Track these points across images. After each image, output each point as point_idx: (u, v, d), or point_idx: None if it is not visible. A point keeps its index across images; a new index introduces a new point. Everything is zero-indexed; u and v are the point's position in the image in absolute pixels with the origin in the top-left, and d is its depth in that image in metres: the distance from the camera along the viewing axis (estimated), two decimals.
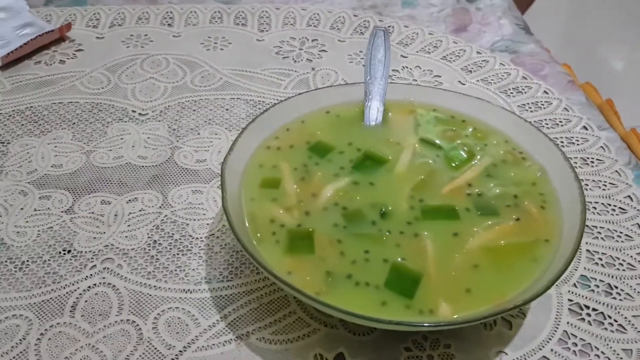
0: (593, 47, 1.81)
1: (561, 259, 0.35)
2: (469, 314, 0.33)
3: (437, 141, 0.45)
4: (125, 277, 0.41)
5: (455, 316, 0.33)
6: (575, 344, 0.38)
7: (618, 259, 0.43)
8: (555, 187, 0.41)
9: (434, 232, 0.38)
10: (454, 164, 0.43)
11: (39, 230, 0.44)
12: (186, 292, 0.40)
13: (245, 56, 0.61)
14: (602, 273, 0.42)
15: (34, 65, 0.59)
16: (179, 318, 0.39)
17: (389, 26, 0.67)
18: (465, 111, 0.47)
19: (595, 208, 0.47)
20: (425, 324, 0.32)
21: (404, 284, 0.35)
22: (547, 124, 0.55)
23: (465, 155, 0.43)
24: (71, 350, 0.37)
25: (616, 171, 0.50)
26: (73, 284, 0.40)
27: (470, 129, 0.46)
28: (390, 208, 0.39)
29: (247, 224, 0.38)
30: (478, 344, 0.38)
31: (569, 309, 0.40)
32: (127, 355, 0.37)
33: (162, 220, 0.45)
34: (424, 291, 0.35)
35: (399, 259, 0.36)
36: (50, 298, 0.40)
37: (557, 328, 0.39)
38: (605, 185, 0.49)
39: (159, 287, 0.40)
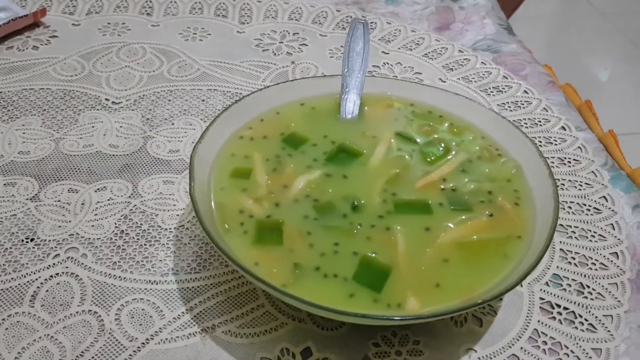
0: (577, 55, 1.82)
1: (532, 256, 0.34)
2: (437, 308, 0.32)
3: (413, 136, 0.44)
4: (90, 267, 0.40)
5: (422, 310, 0.33)
6: (545, 343, 0.38)
7: (591, 258, 0.43)
8: (530, 185, 0.40)
9: (405, 226, 0.37)
10: (429, 159, 0.42)
11: (1, 218, 0.42)
12: (152, 284, 0.39)
13: (225, 48, 0.60)
14: (574, 272, 0.42)
15: (5, 50, 0.58)
16: (143, 309, 0.38)
17: (371, 22, 0.66)
18: (442, 107, 0.46)
19: (570, 208, 0.47)
20: (391, 317, 0.31)
21: (372, 277, 0.34)
22: (526, 124, 0.54)
23: (440, 151, 0.43)
24: (29, 340, 0.36)
25: (592, 172, 0.50)
26: (34, 273, 0.39)
27: (447, 125, 0.45)
28: (362, 201, 0.38)
29: (215, 214, 0.37)
30: (448, 340, 0.37)
31: (540, 307, 0.40)
32: (87, 347, 0.36)
33: (131, 210, 0.44)
34: (393, 285, 0.34)
35: (369, 253, 0.35)
36: (10, 287, 0.38)
37: (528, 326, 0.38)
38: (581, 186, 0.49)
39: (124, 278, 0.39)
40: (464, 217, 0.38)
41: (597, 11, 2.06)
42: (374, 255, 0.35)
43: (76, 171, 0.46)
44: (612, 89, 1.73)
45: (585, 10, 2.08)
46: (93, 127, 0.50)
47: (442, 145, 0.43)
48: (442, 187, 0.40)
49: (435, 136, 0.44)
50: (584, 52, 1.85)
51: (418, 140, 0.44)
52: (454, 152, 0.43)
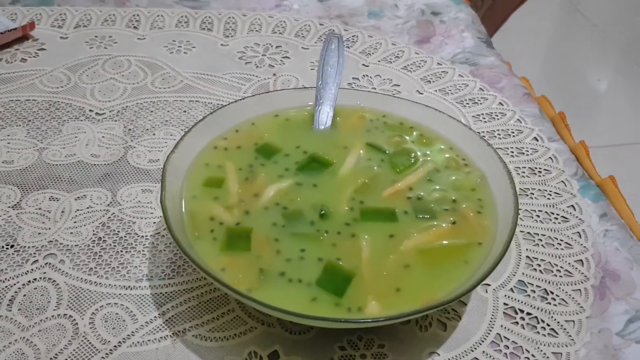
0: (570, 66, 1.84)
1: (490, 262, 0.35)
2: (394, 312, 0.33)
3: (384, 146, 0.45)
4: (67, 273, 0.41)
5: (381, 314, 0.34)
6: (507, 347, 0.39)
7: (556, 265, 0.44)
8: (493, 194, 0.42)
9: (370, 233, 0.38)
10: (398, 169, 0.43)
11: None
12: (126, 289, 0.40)
13: (208, 60, 0.62)
14: (539, 279, 0.43)
15: None
16: (117, 314, 0.39)
17: (353, 35, 0.68)
18: (413, 118, 0.48)
19: (538, 216, 0.48)
20: (349, 321, 0.32)
21: (335, 282, 0.35)
22: (499, 134, 0.56)
23: (409, 161, 0.44)
24: (4, 343, 0.37)
25: (562, 181, 0.51)
26: (13, 278, 0.40)
27: (417, 136, 0.46)
28: (330, 209, 0.40)
29: (186, 222, 0.38)
30: (412, 344, 0.38)
31: (504, 312, 0.41)
32: (61, 349, 0.37)
33: (109, 217, 0.45)
34: (355, 290, 0.35)
35: (334, 259, 0.37)
36: None
37: (491, 331, 0.40)
38: (551, 195, 0.50)
39: (100, 283, 0.41)
40: (428, 224, 0.39)
41: (590, 23, 2.08)
42: (338, 261, 0.37)
43: (58, 180, 0.48)
44: (604, 100, 1.75)
45: (578, 21, 2.10)
46: (76, 137, 0.52)
47: (412, 155, 0.45)
48: (409, 196, 0.41)
49: (405, 147, 0.45)
50: (577, 63, 1.87)
51: (388, 150, 0.45)
52: (421, 162, 0.44)
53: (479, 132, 0.46)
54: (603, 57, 1.93)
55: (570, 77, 1.79)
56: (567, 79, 1.77)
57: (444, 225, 0.39)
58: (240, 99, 0.46)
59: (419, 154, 0.45)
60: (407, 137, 0.46)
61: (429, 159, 0.44)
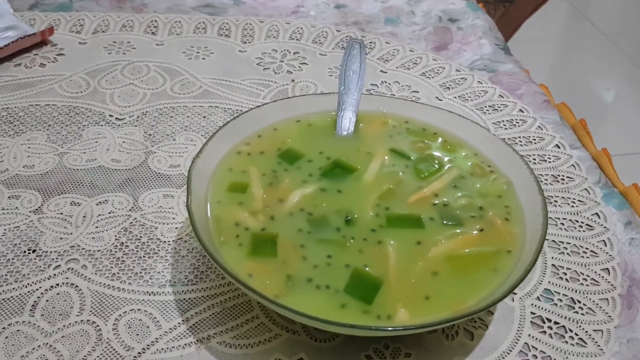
0: (580, 75, 1.84)
1: (520, 270, 0.35)
2: (425, 320, 0.33)
3: (407, 152, 0.45)
4: (89, 278, 0.41)
5: (411, 322, 0.33)
6: (535, 357, 0.38)
7: (582, 274, 0.44)
8: (520, 201, 0.41)
9: (397, 240, 0.38)
10: (422, 175, 0.43)
11: (5, 229, 0.43)
12: (150, 295, 0.40)
13: (227, 66, 0.62)
14: (566, 287, 0.42)
15: (13, 67, 0.59)
16: (141, 320, 0.38)
17: (370, 42, 0.68)
18: (436, 124, 0.47)
19: (563, 224, 0.47)
20: (379, 328, 0.32)
21: (363, 289, 0.35)
22: (520, 142, 0.55)
23: (433, 167, 0.44)
24: (28, 349, 0.36)
25: (585, 189, 0.51)
26: (35, 283, 0.40)
27: (441, 141, 0.46)
28: (355, 215, 0.39)
29: (211, 227, 0.38)
30: (439, 353, 0.38)
31: (531, 321, 0.40)
32: (85, 356, 0.36)
33: (131, 223, 0.45)
34: (384, 297, 0.35)
35: (362, 265, 0.36)
36: (11, 297, 0.39)
37: (518, 340, 0.39)
38: (574, 203, 0.49)
39: (123, 289, 0.40)
40: (454, 231, 0.39)
41: (599, 32, 2.08)
42: (366, 267, 0.36)
43: (79, 185, 0.47)
44: (614, 109, 1.74)
45: (588, 31, 2.10)
46: (96, 142, 0.52)
47: (436, 161, 0.44)
48: (434, 202, 0.41)
49: (429, 153, 0.45)
50: (586, 72, 1.86)
51: (412, 156, 0.45)
52: (446, 168, 0.44)
53: (502, 138, 0.45)
54: (612, 66, 1.92)
55: (579, 85, 1.79)
56: (576, 87, 1.76)
57: (472, 232, 0.39)
58: (262, 105, 0.46)
59: (444, 159, 0.44)
60: (431, 143, 0.46)
61: (453, 165, 0.44)
